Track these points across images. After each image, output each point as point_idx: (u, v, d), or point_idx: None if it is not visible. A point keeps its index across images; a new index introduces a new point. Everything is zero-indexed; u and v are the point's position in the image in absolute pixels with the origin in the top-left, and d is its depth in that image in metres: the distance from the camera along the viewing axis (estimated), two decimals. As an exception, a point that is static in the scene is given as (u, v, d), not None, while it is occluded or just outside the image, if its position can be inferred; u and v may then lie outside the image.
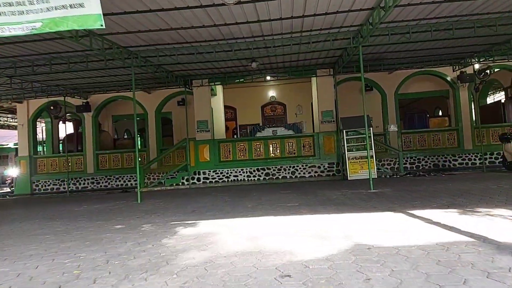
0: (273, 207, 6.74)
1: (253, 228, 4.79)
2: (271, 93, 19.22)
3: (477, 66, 13.74)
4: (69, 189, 16.41)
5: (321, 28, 8.56)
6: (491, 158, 14.94)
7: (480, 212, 5.04)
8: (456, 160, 15.13)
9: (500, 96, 23.27)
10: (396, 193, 7.73)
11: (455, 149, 15.11)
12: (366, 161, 12.18)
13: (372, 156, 12.17)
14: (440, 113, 21.28)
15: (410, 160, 15.14)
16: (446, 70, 14.90)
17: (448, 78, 15.14)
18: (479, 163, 14.92)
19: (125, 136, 23.99)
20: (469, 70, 14.30)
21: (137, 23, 7.40)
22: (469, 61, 13.40)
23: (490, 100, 21.59)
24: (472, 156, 15.11)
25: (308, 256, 3.30)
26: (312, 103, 17.54)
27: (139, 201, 9.06)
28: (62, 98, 14.67)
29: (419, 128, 16.30)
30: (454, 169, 14.57)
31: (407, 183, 9.91)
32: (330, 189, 9.38)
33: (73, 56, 9.44)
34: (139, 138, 24.55)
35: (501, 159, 13.01)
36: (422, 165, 15.26)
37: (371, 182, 8.52)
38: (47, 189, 16.80)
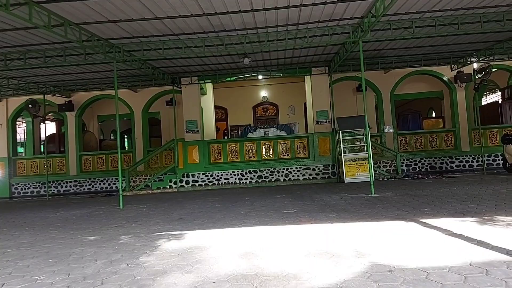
0: (268, 214, 6.11)
1: (248, 241, 4.14)
2: (263, 93, 18.66)
3: (475, 65, 13.32)
4: (50, 192, 15.57)
5: (319, 20, 7.95)
6: (489, 160, 14.57)
7: (502, 221, 4.48)
8: (453, 162, 14.74)
9: (495, 97, 23.06)
10: (400, 198, 7.16)
11: (452, 151, 14.73)
12: (363, 163, 11.66)
13: (371, 157, 11.62)
14: (434, 115, 20.98)
15: (406, 162, 14.71)
16: (443, 69, 14.50)
17: (445, 78, 14.75)
18: (477, 165, 14.56)
19: (112, 137, 23.19)
20: (467, 70, 13.92)
21: (117, 11, 6.69)
22: (468, 60, 12.97)
23: (484, 101, 21.34)
24: (469, 158, 14.73)
25: (318, 281, 2.66)
26: (305, 103, 17.03)
27: (121, 207, 8.33)
28: (42, 96, 13.88)
29: (413, 130, 15.90)
30: (451, 171, 14.17)
31: (408, 186, 9.36)
32: (328, 193, 8.79)
33: (49, 49, 8.67)
34: (126, 139, 23.79)
35: (501, 161, 12.57)
36: (419, 167, 14.82)
37: (372, 185, 7.94)
38: (27, 192, 15.93)
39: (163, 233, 4.97)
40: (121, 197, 8.38)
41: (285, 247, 3.76)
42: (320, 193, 8.88)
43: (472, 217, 4.82)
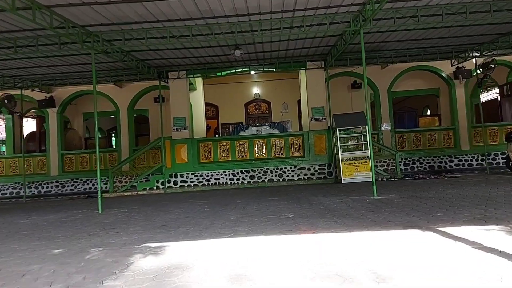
0: (262, 220, 5.42)
1: (239, 258, 3.46)
2: (255, 90, 17.99)
3: (475, 60, 12.78)
4: (30, 193, 14.77)
5: (317, 6, 7.30)
6: (488, 159, 14.10)
7: (533, 229, 3.87)
8: (452, 161, 14.26)
9: (489, 95, 22.68)
10: (405, 200, 6.54)
11: (451, 149, 14.25)
12: (361, 163, 11.05)
13: (369, 157, 11.02)
14: (429, 112, 20.52)
15: (404, 161, 14.17)
16: (442, 65, 14.01)
17: (444, 74, 14.25)
18: (476, 164, 14.10)
19: (98, 135, 22.26)
20: (468, 65, 13.42)
21: (92, -9, 5.96)
22: (469, 55, 12.44)
23: (481, 98, 20.92)
24: (469, 157, 14.26)
25: (332, 323, 1.99)
26: (298, 100, 16.43)
27: (100, 211, 7.59)
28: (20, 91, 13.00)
29: (409, 128, 15.40)
30: (451, 171, 13.67)
31: (410, 187, 8.76)
32: (326, 195, 8.14)
33: (20, 38, 7.85)
34: (114, 137, 22.89)
35: (505, 160, 12.08)
36: (417, 166, 14.31)
37: (374, 187, 7.29)
38: (6, 193, 15.08)
39: (140, 245, 4.26)
40: (99, 200, 7.62)
41: (285, 265, 3.08)
42: (317, 195, 8.23)
43: (496, 224, 4.20)
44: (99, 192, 7.75)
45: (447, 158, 14.25)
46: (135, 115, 16.24)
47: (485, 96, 23.12)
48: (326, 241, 3.90)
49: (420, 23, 7.74)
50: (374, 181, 7.32)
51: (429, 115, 19.68)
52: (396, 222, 4.68)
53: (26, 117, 19.58)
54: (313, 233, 4.32)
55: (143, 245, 4.24)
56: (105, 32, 7.80)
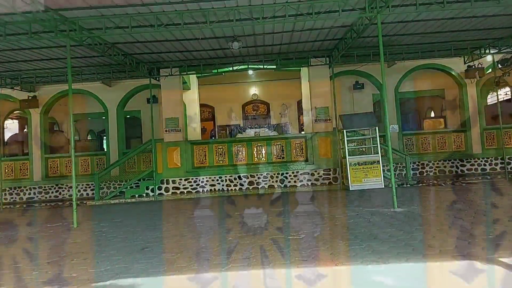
0: (267, 242, 4.39)
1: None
2: (253, 90, 16.96)
3: (490, 57, 11.86)
4: (12, 200, 13.60)
5: (328, -12, 6.33)
6: (502, 163, 13.13)
7: None
8: (464, 165, 13.28)
9: (496, 95, 21.77)
10: (434, 214, 5.54)
11: (463, 153, 13.29)
12: (371, 168, 10.06)
13: (379, 161, 10.07)
14: (432, 114, 19.66)
15: (412, 166, 13.17)
16: (452, 63, 13.06)
17: (454, 73, 13.32)
18: (490, 169, 13.17)
19: (89, 138, 21.28)
20: (482, 63, 12.50)
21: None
22: (485, 51, 11.50)
23: (490, 98, 20.06)
24: (481, 161, 13.30)
25: None
26: (298, 101, 15.44)
27: (75, 225, 6.53)
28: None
29: (414, 130, 14.48)
30: (462, 176, 12.71)
31: (430, 196, 7.78)
32: (336, 206, 7.15)
33: (-15, 24, 6.82)
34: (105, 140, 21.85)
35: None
36: (427, 171, 13.32)
37: (394, 198, 6.25)
38: (-15, 200, 13.91)
39: (107, 282, 3.21)
40: (74, 213, 6.56)
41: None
42: (326, 206, 7.23)
43: None
44: (74, 202, 6.69)
45: (458, 162, 13.30)
46: (127, 116, 15.20)
47: (493, 96, 22.24)
48: (357, 279, 2.88)
49: (445, 9, 6.77)
50: (394, 191, 6.27)
51: (433, 117, 18.81)
52: (439, 248, 3.67)
53: (11, 118, 18.53)
54: (336, 265, 3.30)
55: (111, 282, 3.20)
56: (83, 18, 6.74)
